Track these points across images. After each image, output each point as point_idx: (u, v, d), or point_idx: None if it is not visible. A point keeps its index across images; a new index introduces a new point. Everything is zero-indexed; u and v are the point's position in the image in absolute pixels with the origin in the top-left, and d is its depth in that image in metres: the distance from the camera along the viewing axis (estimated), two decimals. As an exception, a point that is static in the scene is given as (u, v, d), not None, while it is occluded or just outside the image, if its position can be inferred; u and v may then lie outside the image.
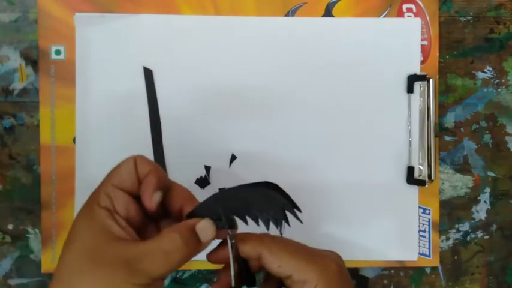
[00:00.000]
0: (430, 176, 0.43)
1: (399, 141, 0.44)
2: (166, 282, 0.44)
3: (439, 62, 0.45)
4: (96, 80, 0.43)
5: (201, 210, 0.29)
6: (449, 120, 0.45)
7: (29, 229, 0.43)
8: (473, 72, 0.45)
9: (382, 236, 0.44)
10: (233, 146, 0.43)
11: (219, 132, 0.43)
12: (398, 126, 0.44)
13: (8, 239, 0.43)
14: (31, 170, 0.43)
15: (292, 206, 0.28)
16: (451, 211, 0.45)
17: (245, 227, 0.29)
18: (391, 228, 0.44)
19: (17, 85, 0.43)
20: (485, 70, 0.45)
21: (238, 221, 0.29)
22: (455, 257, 0.45)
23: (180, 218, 0.29)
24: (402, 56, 0.44)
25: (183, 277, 0.44)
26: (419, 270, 0.45)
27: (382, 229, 0.44)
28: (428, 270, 0.45)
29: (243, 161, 0.43)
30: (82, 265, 0.25)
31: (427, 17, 0.45)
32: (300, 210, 0.28)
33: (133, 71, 0.43)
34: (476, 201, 0.45)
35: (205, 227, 0.28)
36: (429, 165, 0.43)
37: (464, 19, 0.45)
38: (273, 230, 0.29)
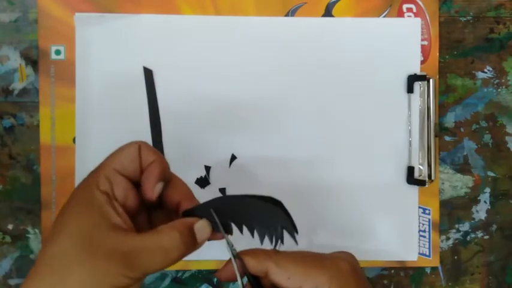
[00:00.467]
0: (430, 176, 0.43)
1: (399, 141, 0.44)
2: (167, 282, 0.44)
3: (439, 62, 0.45)
4: (96, 80, 0.43)
5: (198, 211, 0.28)
6: (449, 120, 0.45)
7: (29, 229, 0.43)
8: (473, 72, 0.45)
9: (382, 236, 0.44)
10: (233, 146, 0.43)
11: (219, 132, 0.43)
12: (398, 126, 0.44)
13: (8, 239, 0.43)
14: (31, 170, 0.43)
15: (292, 227, 0.28)
16: (451, 211, 0.45)
17: (246, 240, 0.29)
18: (391, 228, 0.44)
19: (17, 85, 0.43)
20: (485, 70, 0.45)
21: (235, 229, 0.29)
22: (455, 257, 0.45)
23: (174, 211, 0.29)
24: (402, 56, 0.44)
25: (183, 277, 0.44)
26: (419, 270, 0.45)
27: (382, 229, 0.44)
28: (428, 270, 0.45)
29: (243, 161, 0.43)
30: (77, 253, 0.25)
31: (427, 17, 0.45)
32: (297, 232, 0.28)
33: (133, 71, 0.43)
34: (476, 201, 0.45)
35: (202, 228, 0.28)
36: (429, 165, 0.43)
37: (464, 19, 0.45)
38: (266, 245, 0.29)
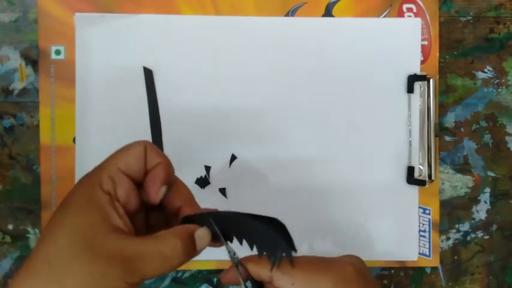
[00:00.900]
0: (430, 176, 0.43)
1: (399, 141, 0.44)
2: (167, 282, 0.44)
3: (439, 62, 0.45)
4: (96, 80, 0.43)
5: (199, 218, 0.28)
6: (449, 120, 0.45)
7: (29, 229, 0.43)
8: (473, 72, 0.45)
9: (382, 236, 0.44)
10: (233, 146, 0.43)
11: (219, 132, 0.43)
12: (398, 126, 0.44)
13: (8, 239, 0.43)
14: (31, 170, 0.43)
15: (291, 248, 0.27)
16: (451, 211, 0.45)
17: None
18: (391, 228, 0.44)
19: (17, 85, 0.43)
20: (485, 70, 0.45)
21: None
22: (455, 257, 0.45)
23: (173, 215, 0.29)
24: (402, 56, 0.44)
25: (183, 277, 0.44)
26: (419, 270, 0.45)
27: (382, 229, 0.44)
28: (428, 270, 0.45)
29: (243, 161, 0.43)
30: (77, 253, 0.24)
31: (427, 17, 0.45)
32: (295, 251, 0.27)
33: (133, 71, 0.43)
34: (476, 201, 0.45)
35: (203, 236, 0.27)
36: (429, 165, 0.43)
37: (464, 19, 0.45)
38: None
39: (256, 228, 0.27)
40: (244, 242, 0.28)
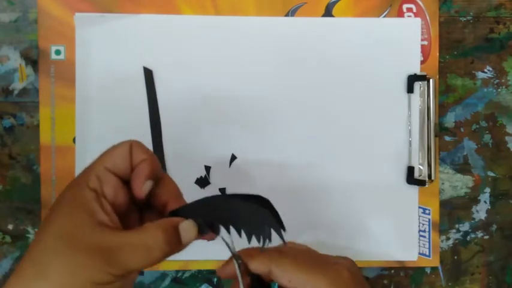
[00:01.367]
0: (430, 176, 0.43)
1: (399, 141, 0.44)
2: (167, 282, 0.44)
3: (439, 62, 0.45)
4: (96, 80, 0.43)
5: (185, 211, 0.28)
6: (449, 120, 0.45)
7: (29, 229, 0.43)
8: (473, 72, 0.45)
9: (382, 236, 0.44)
10: (233, 146, 0.43)
11: (219, 132, 0.43)
12: (398, 126, 0.44)
13: (8, 239, 0.43)
14: (31, 170, 0.43)
15: (279, 226, 0.27)
16: (451, 211, 0.45)
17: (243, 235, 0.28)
18: (391, 228, 0.44)
19: (17, 85, 0.43)
20: (485, 70, 0.45)
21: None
22: (455, 257, 0.45)
23: (162, 212, 0.29)
24: (402, 56, 0.44)
25: (183, 277, 0.44)
26: (419, 270, 0.45)
27: (382, 229, 0.44)
28: (428, 270, 0.45)
29: (243, 161, 0.43)
30: (59, 247, 0.25)
31: (427, 17, 0.45)
32: (284, 230, 0.27)
33: (133, 71, 0.43)
34: (476, 201, 0.45)
35: (187, 228, 0.27)
36: (429, 165, 0.43)
37: (464, 19, 0.45)
38: (254, 243, 0.28)
39: (239, 209, 0.27)
40: (232, 229, 0.28)
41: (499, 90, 0.46)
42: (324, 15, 0.44)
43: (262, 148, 0.44)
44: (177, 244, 0.27)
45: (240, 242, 0.28)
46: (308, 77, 0.44)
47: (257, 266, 0.29)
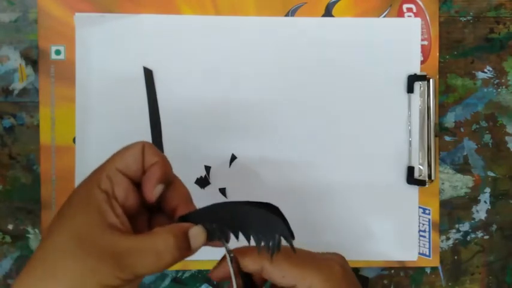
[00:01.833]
0: (430, 176, 0.43)
1: (399, 141, 0.44)
2: (167, 282, 0.44)
3: (439, 62, 0.45)
4: (96, 80, 0.43)
5: (195, 216, 0.28)
6: (449, 120, 0.45)
7: (29, 229, 0.43)
8: (473, 72, 0.45)
9: (382, 236, 0.44)
10: (233, 146, 0.43)
11: (219, 132, 0.43)
12: (398, 126, 0.44)
13: (8, 239, 0.43)
14: (31, 170, 0.43)
15: (289, 234, 0.27)
16: (451, 211, 0.45)
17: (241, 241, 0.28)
18: (391, 228, 0.44)
19: (17, 85, 0.43)
20: (485, 70, 0.45)
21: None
22: (455, 257, 0.45)
23: (171, 215, 0.29)
24: (402, 56, 0.44)
25: (183, 277, 0.44)
26: (419, 270, 0.45)
27: (382, 229, 0.44)
28: (428, 270, 0.45)
29: (243, 161, 0.43)
30: (70, 248, 0.25)
31: (427, 17, 0.45)
32: (293, 238, 0.27)
33: (133, 71, 0.43)
34: (476, 201, 0.45)
35: (197, 234, 0.27)
36: (429, 165, 0.43)
37: (464, 19, 0.45)
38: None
39: (249, 216, 0.27)
40: (240, 235, 0.28)
41: (499, 90, 0.46)
42: (324, 15, 0.44)
43: (262, 148, 0.44)
44: (186, 250, 0.27)
45: (238, 243, 0.28)
46: (308, 77, 0.44)
47: (249, 263, 0.29)
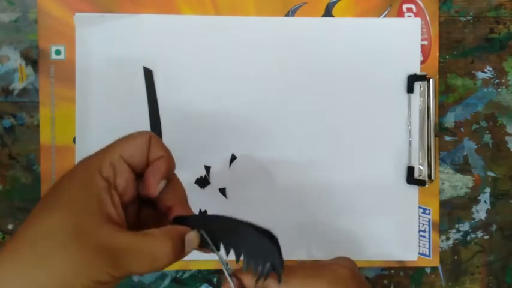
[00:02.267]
0: (430, 176, 0.43)
1: (399, 141, 0.44)
2: (167, 282, 0.44)
3: (439, 62, 0.45)
4: (96, 80, 0.43)
5: (191, 220, 0.28)
6: (449, 120, 0.45)
7: (29, 229, 0.43)
8: (473, 72, 0.45)
9: (382, 236, 0.44)
10: (233, 146, 0.43)
11: (219, 132, 0.43)
12: (398, 126, 0.44)
13: (8, 239, 0.43)
14: (31, 170, 0.43)
15: (281, 267, 0.26)
16: (451, 211, 0.45)
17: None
18: (391, 228, 0.44)
19: (17, 85, 0.43)
20: (485, 70, 0.45)
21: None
22: (455, 257, 0.45)
23: (164, 212, 0.28)
24: (402, 56, 0.44)
25: (183, 277, 0.44)
26: (419, 270, 0.45)
27: (382, 229, 0.44)
28: (428, 270, 0.45)
29: (243, 161, 0.43)
30: (64, 237, 0.23)
31: (427, 17, 0.45)
32: (283, 269, 0.27)
33: (133, 71, 0.43)
34: (476, 201, 0.45)
35: (192, 239, 0.27)
36: (429, 165, 0.43)
37: (464, 19, 0.45)
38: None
39: (246, 236, 0.26)
40: (231, 251, 0.27)
41: (499, 90, 0.46)
42: (324, 15, 0.44)
43: (262, 148, 0.44)
44: (180, 253, 0.26)
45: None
46: (308, 77, 0.44)
47: (251, 282, 0.28)
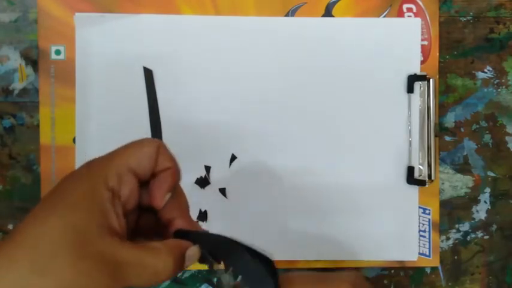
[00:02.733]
0: (430, 176, 0.43)
1: (399, 141, 0.44)
2: (166, 282, 0.44)
3: (439, 62, 0.45)
4: (96, 80, 0.43)
5: (192, 236, 0.27)
6: (449, 120, 0.45)
7: (29, 229, 0.43)
8: (473, 72, 0.45)
9: (382, 235, 0.44)
10: (233, 146, 0.43)
11: (219, 132, 0.43)
12: (398, 126, 0.44)
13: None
14: (31, 170, 0.43)
15: None
16: (451, 211, 0.45)
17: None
18: (391, 228, 0.44)
19: (17, 85, 0.43)
20: (485, 70, 0.45)
21: None
22: (455, 257, 0.45)
23: (164, 223, 0.28)
24: (402, 56, 0.44)
25: (183, 277, 0.44)
26: (419, 270, 0.45)
27: (382, 229, 0.44)
28: (428, 270, 0.45)
29: (243, 161, 0.43)
30: (65, 246, 0.23)
31: (427, 17, 0.45)
32: None
33: (133, 71, 0.43)
34: (476, 201, 0.45)
35: (193, 255, 0.26)
36: (429, 165, 0.43)
37: (464, 19, 0.45)
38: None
39: (246, 260, 0.26)
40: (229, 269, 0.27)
41: (499, 90, 0.46)
42: (324, 15, 0.44)
43: (262, 148, 0.44)
44: (180, 268, 0.26)
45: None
46: (308, 77, 0.44)
47: None
